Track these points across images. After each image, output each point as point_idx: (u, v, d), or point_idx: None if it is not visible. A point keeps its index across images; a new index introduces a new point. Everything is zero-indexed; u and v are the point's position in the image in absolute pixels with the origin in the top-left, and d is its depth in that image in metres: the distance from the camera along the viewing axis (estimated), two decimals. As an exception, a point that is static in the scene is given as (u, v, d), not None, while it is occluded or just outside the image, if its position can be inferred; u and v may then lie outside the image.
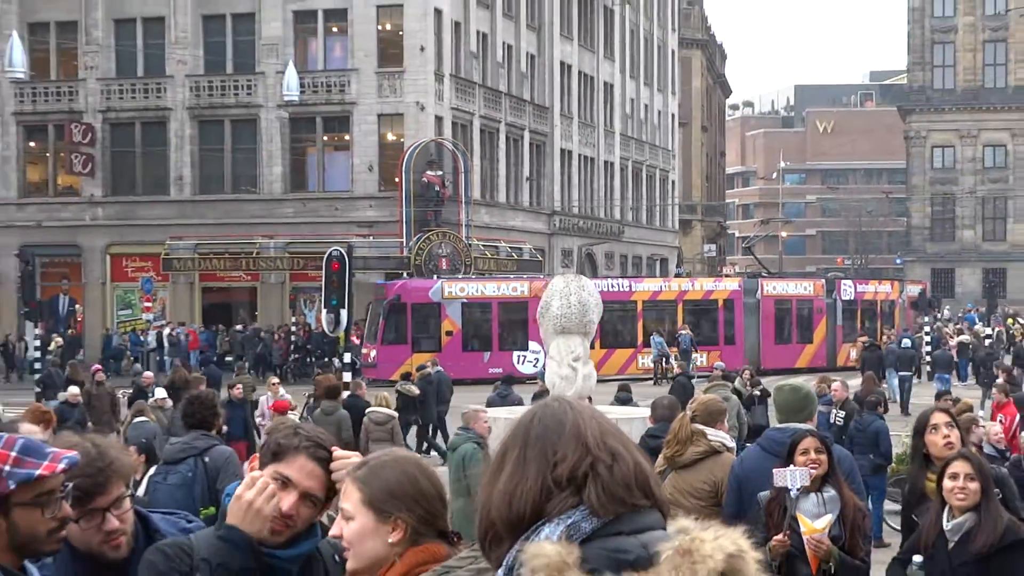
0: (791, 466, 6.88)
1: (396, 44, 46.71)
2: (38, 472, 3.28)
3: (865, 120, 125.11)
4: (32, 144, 50.36)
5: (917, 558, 6.53)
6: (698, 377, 30.36)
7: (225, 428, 15.67)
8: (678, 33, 77.22)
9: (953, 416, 7.93)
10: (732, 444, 8.60)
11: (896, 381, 33.52)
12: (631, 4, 66.99)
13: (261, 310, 47.98)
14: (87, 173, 48.20)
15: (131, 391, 23.92)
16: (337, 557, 3.73)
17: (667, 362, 40.39)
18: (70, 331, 46.13)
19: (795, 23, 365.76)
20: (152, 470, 8.28)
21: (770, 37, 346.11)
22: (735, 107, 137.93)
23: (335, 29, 47.74)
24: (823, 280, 49.87)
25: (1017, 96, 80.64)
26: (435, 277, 42.74)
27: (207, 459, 8.07)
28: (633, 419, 15.26)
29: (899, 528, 9.65)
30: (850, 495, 7.05)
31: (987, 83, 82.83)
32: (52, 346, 39.18)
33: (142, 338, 45.06)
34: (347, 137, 47.43)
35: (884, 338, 42.25)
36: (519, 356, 41.36)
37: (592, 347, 18.57)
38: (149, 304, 46.49)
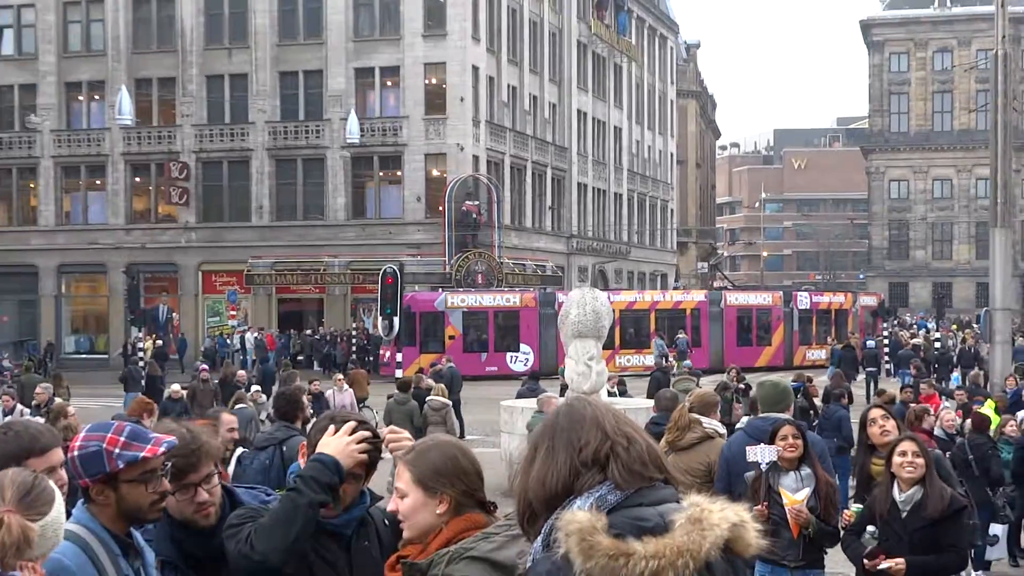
0: (761, 444, 6.93)
1: (440, 95, 46.75)
2: (142, 454, 3.30)
3: (833, 158, 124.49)
4: (137, 179, 50.56)
5: (871, 528, 6.53)
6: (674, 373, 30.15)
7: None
8: (676, 85, 77.06)
9: (889, 410, 8.19)
10: (723, 431, 8.57)
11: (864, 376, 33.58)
12: (637, 61, 66.94)
13: (327, 318, 48.00)
14: (183, 203, 48.40)
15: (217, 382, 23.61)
16: (386, 521, 3.73)
17: (666, 361, 40.11)
18: (169, 335, 46.28)
19: (774, 77, 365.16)
20: (239, 451, 8.20)
21: (753, 88, 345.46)
22: (724, 147, 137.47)
23: (389, 83, 47.82)
24: (781, 292, 49.36)
25: (961, 138, 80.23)
26: (439, 290, 42.54)
27: (284, 448, 7.97)
28: (638, 409, 15.29)
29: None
30: (823, 473, 7.08)
31: (936, 127, 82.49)
32: (147, 345, 39.29)
33: (228, 340, 45.23)
34: (399, 173, 47.48)
35: (853, 340, 41.90)
36: (511, 356, 41.18)
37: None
38: (234, 312, 46.58)
